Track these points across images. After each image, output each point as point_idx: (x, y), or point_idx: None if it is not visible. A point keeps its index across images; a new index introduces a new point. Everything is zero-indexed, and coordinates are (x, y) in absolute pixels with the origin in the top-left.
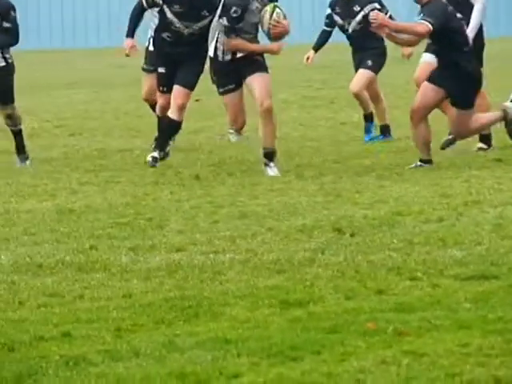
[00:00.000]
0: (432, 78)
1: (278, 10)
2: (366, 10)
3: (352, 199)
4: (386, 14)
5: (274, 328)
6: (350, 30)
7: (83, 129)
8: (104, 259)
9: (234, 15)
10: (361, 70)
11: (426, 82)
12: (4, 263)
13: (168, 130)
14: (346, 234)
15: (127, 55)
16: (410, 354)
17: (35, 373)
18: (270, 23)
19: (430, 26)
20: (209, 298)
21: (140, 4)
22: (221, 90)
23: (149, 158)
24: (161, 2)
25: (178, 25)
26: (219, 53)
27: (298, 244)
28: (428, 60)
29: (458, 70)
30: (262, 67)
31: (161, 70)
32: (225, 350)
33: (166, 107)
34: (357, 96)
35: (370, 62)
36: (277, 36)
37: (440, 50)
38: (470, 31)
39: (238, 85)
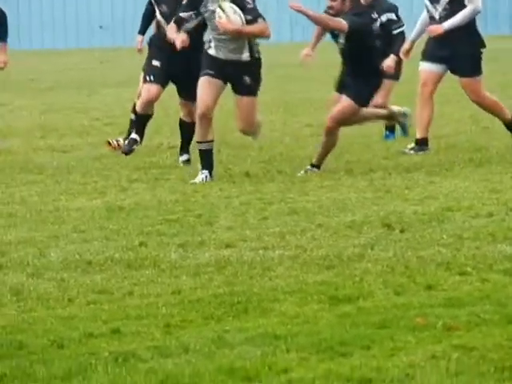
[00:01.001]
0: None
1: (218, 10)
2: (383, 18)
3: (402, 195)
4: (397, 28)
5: (323, 323)
6: None
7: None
8: (153, 256)
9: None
10: (385, 81)
11: (337, 93)
12: (54, 260)
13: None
14: (395, 230)
15: (139, 51)
16: (459, 349)
17: (85, 369)
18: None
19: (346, 25)
20: (258, 293)
21: (149, 1)
22: (202, 72)
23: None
24: (153, 2)
25: (164, 26)
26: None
27: (348, 240)
28: (428, 68)
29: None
30: (249, 90)
31: (155, 62)
32: (274, 346)
33: (150, 101)
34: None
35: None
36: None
37: (350, 56)
38: (446, 24)
39: (218, 75)
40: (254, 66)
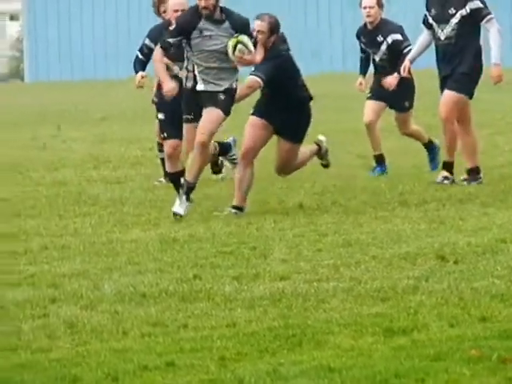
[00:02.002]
0: (261, 114)
1: (240, 45)
2: (389, 40)
3: (455, 226)
4: (407, 47)
5: (377, 356)
6: (377, 59)
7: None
8: (207, 288)
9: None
10: (400, 114)
11: (253, 119)
12: (107, 293)
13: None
14: (449, 262)
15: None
16: None
17: None
18: (233, 58)
19: (260, 81)
20: (313, 326)
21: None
22: (183, 116)
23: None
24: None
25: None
26: (184, 80)
27: (402, 272)
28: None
29: (292, 105)
30: (218, 103)
31: (160, 116)
32: (329, 379)
33: (172, 157)
34: (408, 135)
35: (407, 104)
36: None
37: (273, 94)
38: (494, 58)
39: (197, 117)
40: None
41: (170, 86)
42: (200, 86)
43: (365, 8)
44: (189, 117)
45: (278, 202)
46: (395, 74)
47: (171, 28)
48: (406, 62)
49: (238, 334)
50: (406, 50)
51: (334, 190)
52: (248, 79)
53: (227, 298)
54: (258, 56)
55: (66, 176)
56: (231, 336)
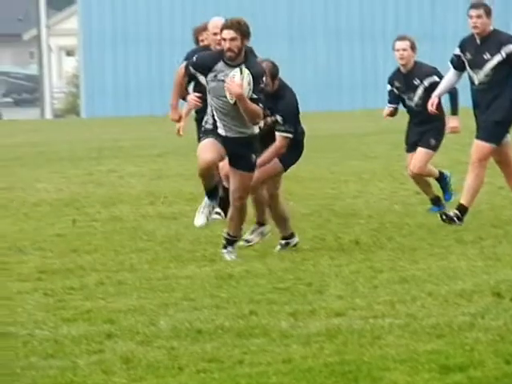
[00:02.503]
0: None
1: (237, 72)
2: (426, 83)
3: None
4: None
5: None
6: (413, 105)
7: None
8: (263, 324)
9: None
10: (423, 150)
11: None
12: (163, 329)
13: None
14: (505, 299)
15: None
16: None
17: None
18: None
19: (290, 135)
20: (368, 362)
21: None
22: (200, 135)
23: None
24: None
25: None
26: (204, 123)
27: (458, 308)
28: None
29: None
30: (250, 166)
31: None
32: None
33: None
34: (417, 177)
35: (433, 141)
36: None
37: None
38: None
39: (218, 137)
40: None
41: (173, 118)
42: (221, 131)
43: (397, 50)
44: (211, 134)
45: (334, 239)
46: (456, 116)
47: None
48: (434, 98)
49: (294, 370)
50: None
51: (390, 227)
52: (278, 139)
53: (283, 334)
54: (240, 88)
55: (122, 211)
56: (287, 372)
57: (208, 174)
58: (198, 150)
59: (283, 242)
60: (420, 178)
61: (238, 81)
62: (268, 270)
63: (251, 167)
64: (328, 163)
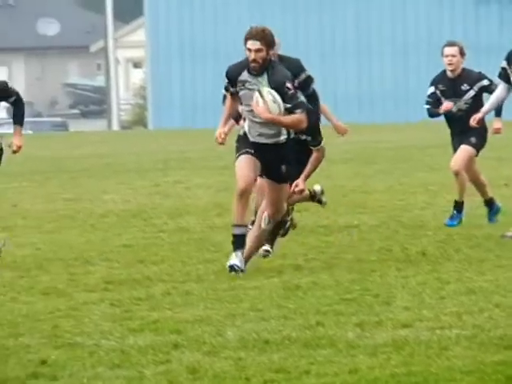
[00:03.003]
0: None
1: (257, 94)
2: (476, 88)
3: None
4: (495, 87)
5: None
6: (455, 109)
7: (308, 205)
8: (330, 335)
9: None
10: (463, 147)
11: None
12: (231, 339)
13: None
14: None
15: None
16: None
17: None
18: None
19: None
20: (435, 373)
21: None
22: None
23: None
24: None
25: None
26: (240, 131)
27: None
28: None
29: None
30: (282, 179)
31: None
32: None
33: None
34: (458, 174)
35: (474, 139)
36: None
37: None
38: None
39: (256, 153)
40: (290, 149)
41: (217, 133)
42: (251, 137)
43: (446, 56)
44: (249, 150)
45: (401, 250)
46: (499, 119)
47: None
48: (480, 114)
49: (361, 380)
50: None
51: (457, 238)
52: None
53: (350, 345)
54: (267, 113)
55: (189, 223)
56: (353, 382)
57: (246, 194)
58: (236, 168)
59: None
60: (463, 178)
61: (261, 105)
62: (335, 281)
63: (281, 178)
64: (398, 175)
